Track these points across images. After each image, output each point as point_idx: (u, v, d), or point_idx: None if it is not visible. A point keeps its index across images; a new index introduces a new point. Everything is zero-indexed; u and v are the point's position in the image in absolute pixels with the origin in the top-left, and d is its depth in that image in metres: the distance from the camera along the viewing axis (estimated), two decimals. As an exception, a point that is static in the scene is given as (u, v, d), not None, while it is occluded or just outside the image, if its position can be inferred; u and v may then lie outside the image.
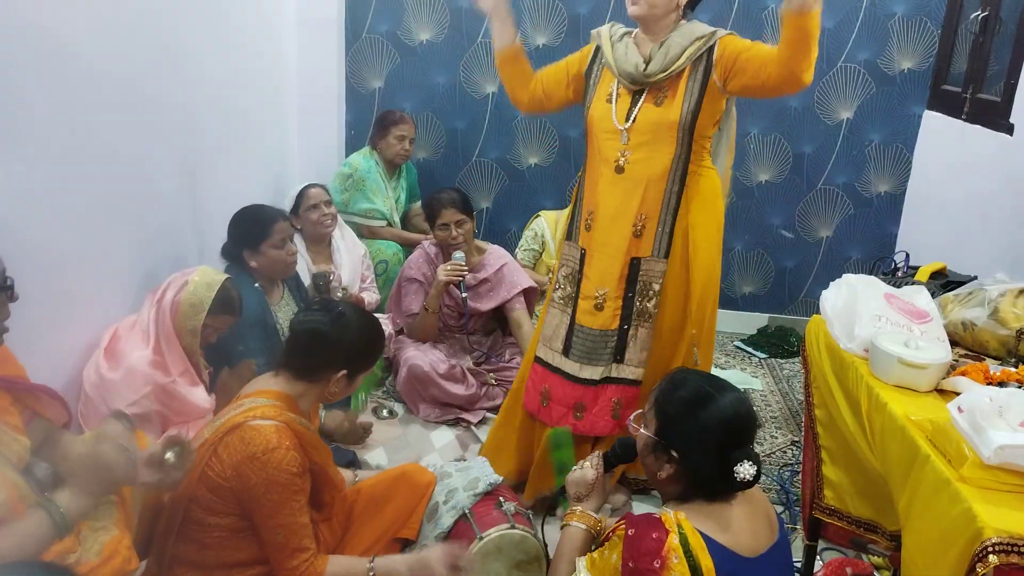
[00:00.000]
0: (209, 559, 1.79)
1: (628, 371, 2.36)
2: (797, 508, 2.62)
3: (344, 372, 1.85)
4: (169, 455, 1.62)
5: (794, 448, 3.07)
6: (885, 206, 4.04)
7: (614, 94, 2.31)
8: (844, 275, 1.97)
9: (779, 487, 2.77)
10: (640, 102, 2.26)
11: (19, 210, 1.93)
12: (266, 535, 1.75)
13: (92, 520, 1.57)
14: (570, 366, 2.39)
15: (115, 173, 2.38)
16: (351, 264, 3.43)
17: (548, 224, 3.89)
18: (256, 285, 2.66)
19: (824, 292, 1.99)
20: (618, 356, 2.36)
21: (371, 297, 3.52)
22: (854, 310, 1.84)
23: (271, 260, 2.70)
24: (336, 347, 1.86)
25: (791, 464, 2.94)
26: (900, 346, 1.68)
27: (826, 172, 4.03)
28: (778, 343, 4.07)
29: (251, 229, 2.70)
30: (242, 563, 1.81)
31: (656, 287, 2.32)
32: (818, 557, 2.23)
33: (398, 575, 1.83)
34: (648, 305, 2.33)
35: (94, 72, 2.24)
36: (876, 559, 2.25)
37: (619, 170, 2.30)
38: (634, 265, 2.32)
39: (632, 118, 2.26)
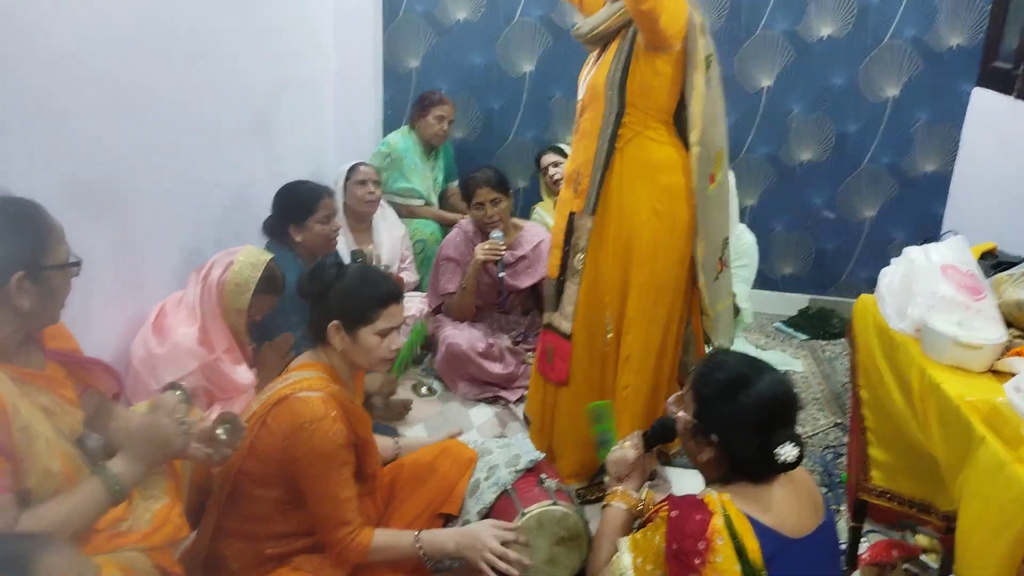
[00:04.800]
0: (256, 530, 1.83)
1: (560, 321, 2.41)
2: (841, 490, 2.60)
3: (336, 322, 1.82)
4: (220, 431, 1.66)
5: (837, 430, 3.04)
6: (931, 186, 3.94)
7: (590, 59, 2.35)
8: (905, 249, 1.91)
9: (822, 469, 2.74)
10: (593, 65, 2.29)
11: (70, 192, 1.97)
12: (312, 506, 1.77)
13: (144, 489, 1.61)
14: (546, 311, 2.51)
15: (159, 155, 2.42)
16: (391, 243, 3.46)
17: (544, 211, 3.85)
18: (297, 261, 2.68)
19: (884, 270, 1.95)
20: (555, 305, 2.43)
21: (410, 277, 3.54)
22: (909, 288, 1.79)
23: (316, 235, 2.73)
24: (318, 297, 1.85)
25: (834, 446, 2.91)
26: (954, 326, 1.64)
27: (870, 151, 3.94)
28: (819, 324, 4.01)
29: (298, 204, 2.73)
30: (288, 535, 1.84)
31: (583, 243, 2.32)
32: (863, 539, 2.20)
33: (445, 549, 1.84)
34: (576, 261, 2.34)
35: (136, 58, 2.27)
36: (923, 540, 2.22)
37: (575, 130, 2.39)
38: (571, 220, 2.35)
39: (585, 80, 2.31)
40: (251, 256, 2.39)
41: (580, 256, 2.33)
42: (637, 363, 2.33)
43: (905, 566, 2.14)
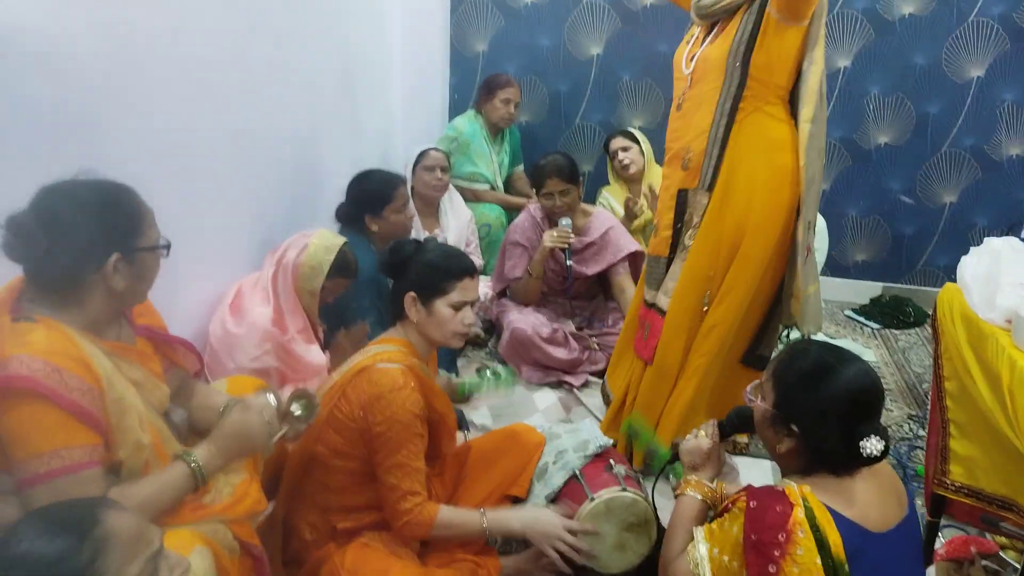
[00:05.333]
0: (331, 501, 1.87)
1: (661, 299, 2.37)
2: (916, 484, 2.52)
3: (412, 294, 1.87)
4: (296, 407, 1.70)
5: (911, 422, 2.95)
6: (1016, 170, 3.78)
7: (694, 35, 2.32)
8: (986, 239, 1.84)
9: (896, 462, 2.67)
10: (705, 41, 2.25)
11: (150, 177, 2.03)
12: (382, 475, 1.80)
13: (224, 463, 1.65)
14: (644, 288, 2.49)
15: (236, 141, 2.46)
16: (458, 228, 3.48)
17: (611, 195, 3.81)
18: (371, 247, 2.72)
19: (963, 258, 1.88)
20: (659, 284, 2.40)
21: (475, 261, 3.55)
22: (996, 278, 1.72)
23: (392, 224, 2.77)
24: (398, 272, 1.91)
25: (908, 438, 2.82)
26: (1049, 316, 1.57)
27: (952, 134, 3.79)
28: (893, 313, 3.90)
29: (375, 194, 2.77)
30: (360, 507, 1.88)
31: (696, 220, 2.28)
32: (939, 534, 2.14)
33: (510, 529, 1.86)
34: (686, 238, 2.31)
35: (215, 47, 2.31)
36: (1002, 539, 2.14)
37: (678, 108, 2.33)
38: (681, 197, 2.32)
39: (695, 57, 2.26)
40: (325, 239, 2.43)
41: (691, 232, 2.29)
42: (722, 333, 2.31)
43: (984, 563, 2.07)
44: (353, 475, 1.85)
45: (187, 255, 2.25)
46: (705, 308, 2.31)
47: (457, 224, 3.50)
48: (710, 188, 2.25)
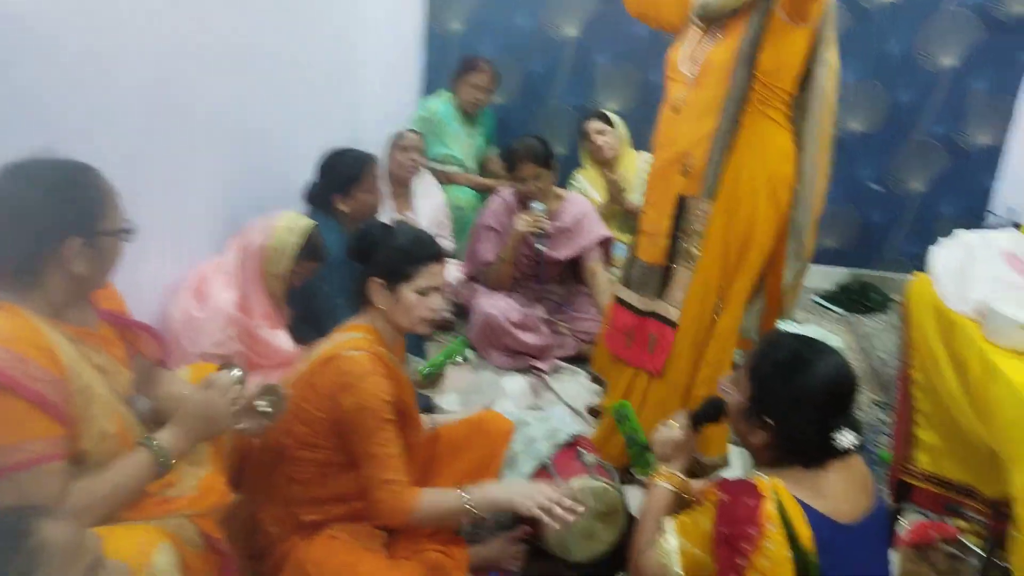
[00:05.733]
0: (297, 494, 1.83)
1: (667, 309, 2.30)
2: (881, 469, 2.55)
3: (378, 280, 1.83)
4: (263, 402, 1.65)
5: (876, 408, 2.99)
6: (983, 159, 3.82)
7: (691, 35, 2.24)
8: (956, 231, 1.85)
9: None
10: (707, 44, 2.18)
11: (110, 156, 1.96)
12: (360, 464, 1.77)
13: (189, 455, 1.61)
14: (626, 294, 2.41)
15: (196, 118, 2.39)
16: (430, 211, 3.44)
17: (585, 179, 3.79)
18: (340, 229, 2.67)
19: (934, 249, 1.88)
20: (661, 292, 2.32)
21: (446, 245, 3.52)
22: (969, 270, 1.73)
23: (362, 204, 2.72)
24: (365, 256, 1.86)
25: (873, 424, 2.86)
26: (1021, 310, 1.58)
27: (923, 122, 3.82)
28: (859, 299, 3.93)
29: (344, 173, 2.71)
30: (327, 499, 1.84)
31: (699, 228, 2.21)
32: (902, 519, 2.17)
33: (494, 500, 1.81)
34: (690, 246, 2.24)
35: (176, 20, 2.24)
36: (962, 524, 2.18)
37: (675, 110, 2.26)
38: (681, 204, 2.25)
39: (696, 60, 2.19)
40: (291, 222, 2.38)
41: (697, 241, 2.22)
42: (730, 341, 2.29)
43: (946, 548, 2.11)
44: (320, 466, 1.82)
45: (149, 237, 2.19)
46: (716, 317, 2.27)
47: (430, 207, 3.46)
48: (712, 196, 2.18)
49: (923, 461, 1.95)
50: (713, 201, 2.18)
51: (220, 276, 2.38)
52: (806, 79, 2.15)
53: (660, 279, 2.31)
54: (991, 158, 3.80)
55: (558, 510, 1.71)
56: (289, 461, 1.82)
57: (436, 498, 1.81)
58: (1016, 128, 3.71)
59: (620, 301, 2.42)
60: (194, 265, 2.41)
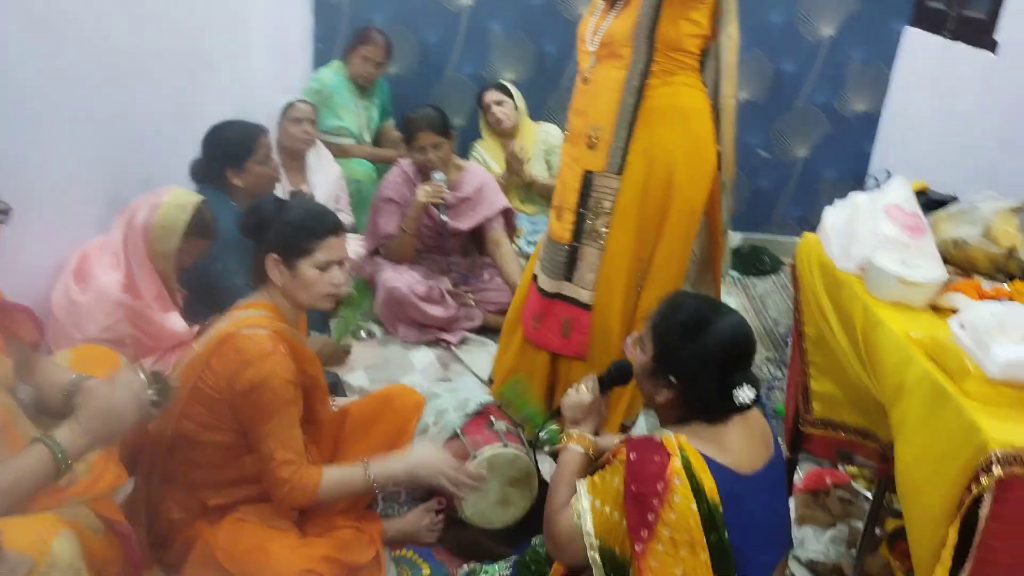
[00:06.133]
0: (199, 477, 1.78)
1: (577, 291, 2.29)
2: (775, 421, 2.68)
3: (274, 256, 1.77)
4: (150, 391, 1.56)
5: (769, 364, 3.13)
6: (861, 125, 4.03)
7: (597, 7, 2.24)
8: (851, 194, 1.93)
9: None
10: (610, 17, 2.18)
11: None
12: (257, 445, 1.72)
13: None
14: (539, 275, 2.38)
15: (78, 94, 2.25)
16: (326, 184, 3.34)
17: (484, 150, 3.78)
18: (232, 204, 2.56)
19: (827, 209, 1.96)
20: (567, 273, 2.29)
21: (345, 219, 3.44)
22: (852, 227, 1.82)
23: (256, 176, 2.61)
24: (258, 232, 1.80)
25: (767, 380, 2.99)
26: (898, 264, 1.67)
27: (805, 90, 3.98)
28: (751, 262, 4.09)
29: (236, 145, 2.60)
30: (233, 482, 1.80)
31: (607, 205, 2.20)
32: (797, 469, 2.28)
33: (394, 475, 1.81)
34: (598, 224, 2.22)
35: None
36: (853, 469, 2.32)
37: (584, 82, 2.25)
38: (587, 179, 2.22)
39: (599, 30, 2.19)
40: (179, 198, 2.26)
41: (604, 219, 2.20)
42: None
43: (838, 493, 2.24)
44: (223, 449, 1.76)
45: (26, 216, 2.05)
46: (639, 290, 2.27)
47: (326, 180, 3.36)
48: (619, 171, 2.17)
49: (818, 409, 2.04)
50: (619, 177, 2.18)
51: (104, 256, 2.25)
52: (709, 48, 2.19)
53: (567, 258, 2.28)
54: (869, 124, 4.00)
55: (463, 478, 1.73)
56: (190, 445, 1.75)
57: (338, 476, 1.78)
58: (890, 95, 3.92)
59: (533, 279, 2.41)
60: (77, 246, 2.27)
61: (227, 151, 2.59)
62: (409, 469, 1.80)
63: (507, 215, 3.28)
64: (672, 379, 1.48)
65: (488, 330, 3.14)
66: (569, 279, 2.28)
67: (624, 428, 2.55)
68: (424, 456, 1.82)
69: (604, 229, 2.21)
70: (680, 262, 2.31)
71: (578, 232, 2.25)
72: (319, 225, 1.80)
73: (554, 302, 2.32)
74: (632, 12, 2.11)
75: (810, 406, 2.03)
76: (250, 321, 1.74)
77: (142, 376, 1.49)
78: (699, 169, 2.22)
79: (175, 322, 2.28)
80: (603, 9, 2.21)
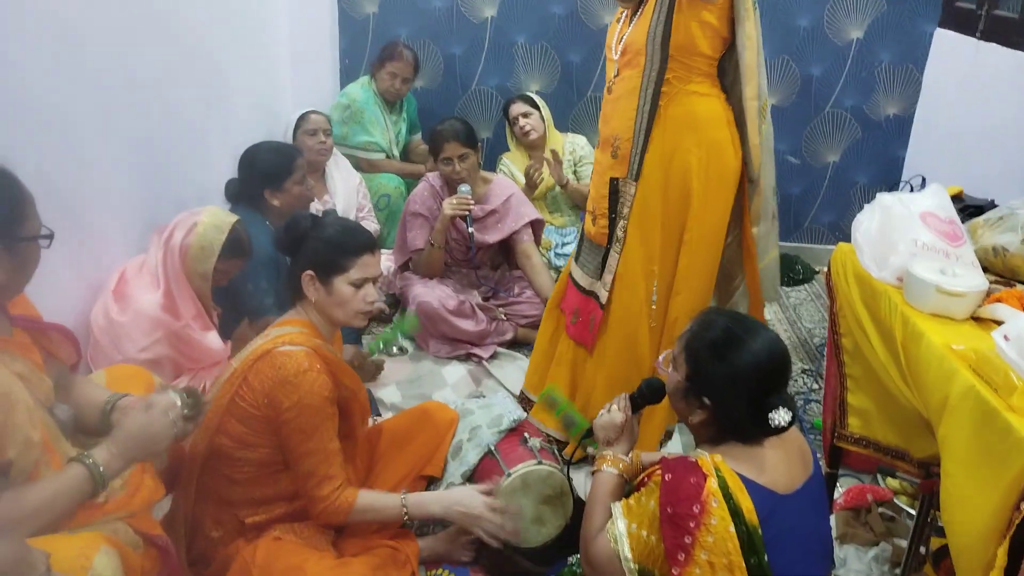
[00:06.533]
0: (236, 495, 1.79)
1: (600, 289, 2.34)
2: (812, 436, 2.64)
3: (310, 273, 1.79)
4: (184, 409, 1.58)
5: (804, 376, 3.08)
6: (893, 129, 3.97)
7: (622, 16, 2.25)
8: (878, 195, 1.90)
9: (793, 415, 2.78)
10: (631, 23, 2.19)
11: (24, 154, 1.86)
12: (296, 463, 1.74)
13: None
14: (576, 272, 2.43)
15: (115, 114, 2.29)
16: (346, 193, 3.37)
17: (512, 162, 3.78)
18: (267, 224, 2.59)
19: (858, 216, 1.93)
20: (598, 273, 2.35)
21: (371, 226, 3.46)
22: (888, 236, 1.79)
23: (294, 196, 2.66)
24: (294, 249, 1.83)
25: (803, 392, 2.95)
26: (937, 274, 1.64)
27: (834, 95, 3.94)
28: (784, 271, 4.03)
29: (275, 166, 2.64)
30: (269, 499, 1.81)
31: (625, 210, 2.25)
32: (837, 484, 2.24)
33: (430, 513, 1.83)
34: (618, 229, 2.27)
35: (91, 14, 2.15)
36: (894, 483, 2.27)
37: (609, 91, 2.28)
38: (613, 185, 2.27)
39: (622, 39, 2.20)
40: (215, 218, 2.30)
41: (623, 223, 2.25)
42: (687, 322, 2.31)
43: (880, 510, 2.20)
44: (260, 466, 1.77)
45: (65, 238, 2.09)
46: (654, 303, 2.28)
47: (346, 189, 3.39)
48: (636, 178, 2.20)
49: (854, 425, 2.01)
50: (637, 183, 2.20)
51: (143, 276, 2.29)
52: (730, 51, 2.17)
53: (601, 259, 2.33)
54: (902, 128, 3.94)
55: (498, 528, 1.77)
56: (226, 462, 1.77)
57: (375, 502, 1.80)
58: (923, 98, 3.86)
59: (570, 277, 2.46)
60: (116, 266, 2.31)
61: (267, 172, 2.63)
62: (446, 511, 1.81)
63: (535, 226, 3.27)
64: (705, 400, 1.46)
65: (519, 344, 3.13)
66: (599, 278, 2.34)
67: (668, 435, 2.53)
68: (463, 500, 1.81)
69: (622, 233, 2.26)
70: (705, 271, 2.30)
71: (611, 236, 2.30)
72: (354, 242, 1.81)
73: (589, 299, 2.38)
74: (646, 19, 2.12)
75: (846, 421, 2.00)
76: (287, 338, 1.75)
77: (176, 399, 1.51)
78: (717, 177, 2.21)
79: (213, 341, 2.30)
80: (626, 17, 2.23)
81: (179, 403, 1.50)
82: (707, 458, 1.41)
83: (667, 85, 2.13)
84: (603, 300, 2.30)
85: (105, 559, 1.29)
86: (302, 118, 3.28)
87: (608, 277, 2.29)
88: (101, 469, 1.38)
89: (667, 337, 2.30)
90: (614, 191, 2.26)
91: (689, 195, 2.20)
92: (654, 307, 2.28)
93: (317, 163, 3.32)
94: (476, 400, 2.23)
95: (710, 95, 2.18)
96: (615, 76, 2.24)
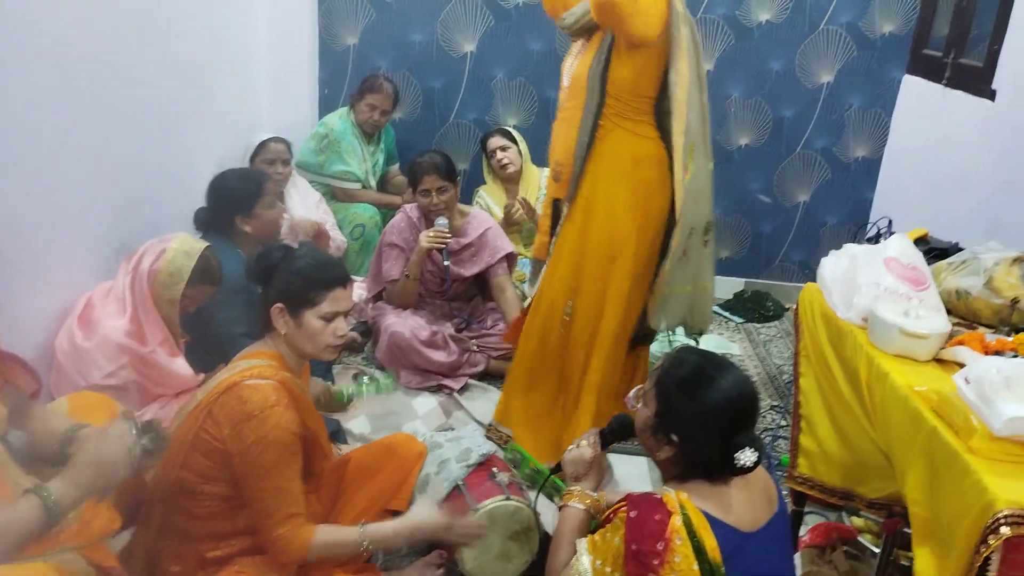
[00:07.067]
0: (198, 529, 1.75)
1: (532, 296, 2.50)
2: (780, 473, 2.64)
3: (280, 305, 1.77)
4: (143, 441, 1.56)
5: (773, 412, 3.10)
6: (862, 171, 4.05)
7: (574, 47, 2.38)
8: (845, 245, 1.94)
9: (762, 452, 2.79)
10: (578, 57, 2.31)
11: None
12: (255, 500, 1.69)
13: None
14: (528, 291, 2.62)
15: (85, 139, 2.28)
16: (304, 211, 3.36)
17: (488, 195, 3.81)
18: (238, 251, 2.57)
19: (823, 260, 1.97)
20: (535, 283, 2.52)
21: (336, 236, 3.45)
22: (853, 279, 1.82)
23: (265, 222, 2.65)
24: (265, 279, 1.81)
25: (772, 429, 2.96)
26: (901, 315, 1.67)
27: (805, 136, 4.02)
28: (754, 308, 4.08)
29: (244, 192, 2.62)
30: (231, 534, 1.77)
31: (559, 229, 2.41)
32: (803, 522, 2.25)
33: (390, 542, 1.80)
34: (551, 246, 2.43)
35: (61, 41, 2.13)
36: (859, 522, 2.28)
37: (557, 118, 2.44)
38: (555, 206, 2.45)
39: (569, 72, 2.34)
40: (185, 244, 2.28)
41: (555, 240, 2.40)
42: (613, 346, 2.41)
43: (844, 548, 2.20)
44: (223, 500, 1.73)
45: (30, 262, 2.07)
46: (567, 317, 2.39)
47: (304, 207, 3.39)
48: (571, 202, 2.34)
49: (803, 465, 2.02)
50: (570, 205, 2.34)
51: (110, 302, 2.26)
52: (664, 89, 2.24)
53: (540, 272, 2.50)
54: (870, 170, 4.03)
55: (466, 528, 1.76)
56: (189, 495, 1.73)
57: (333, 537, 1.75)
58: (890, 142, 3.95)
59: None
60: (83, 292, 2.28)
61: (237, 198, 2.62)
62: (410, 533, 1.78)
63: (511, 260, 3.29)
64: (673, 437, 1.47)
65: (491, 376, 3.12)
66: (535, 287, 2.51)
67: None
68: (423, 517, 1.79)
69: (551, 250, 2.43)
70: (634, 302, 2.42)
71: (549, 252, 2.47)
72: (326, 276, 1.80)
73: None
74: (590, 54, 2.23)
75: (796, 462, 2.01)
76: (255, 371, 1.73)
77: (134, 429, 1.48)
78: (644, 215, 2.32)
79: (180, 367, 2.27)
80: (578, 51, 2.35)
81: (135, 431, 1.47)
82: (672, 495, 1.41)
83: (604, 119, 2.24)
84: (526, 303, 2.48)
85: None
86: (261, 146, 3.25)
87: (538, 282, 2.47)
88: (56, 501, 1.35)
89: (596, 353, 2.41)
90: (556, 211, 2.41)
91: (615, 228, 2.31)
92: (566, 318, 2.40)
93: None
94: (445, 433, 2.21)
95: (645, 136, 2.27)
96: (562, 103, 2.39)
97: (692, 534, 1.35)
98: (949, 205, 3.24)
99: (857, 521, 2.29)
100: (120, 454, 1.44)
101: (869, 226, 3.22)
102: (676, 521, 1.36)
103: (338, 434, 2.55)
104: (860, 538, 2.23)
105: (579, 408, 2.47)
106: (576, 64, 2.30)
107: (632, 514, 1.39)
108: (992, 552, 1.20)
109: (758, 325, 3.98)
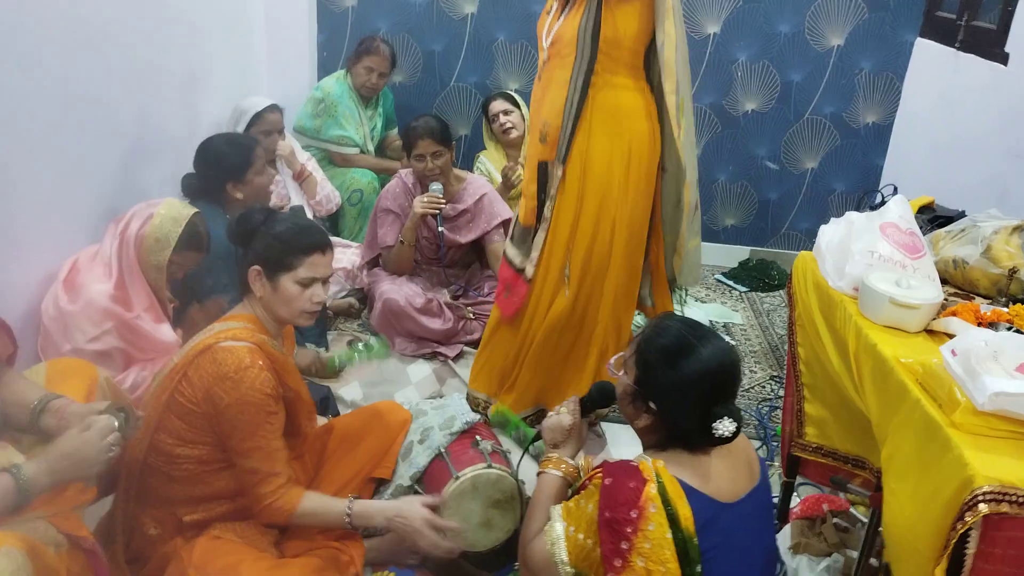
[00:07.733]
0: (175, 492, 1.75)
1: (528, 266, 2.44)
2: (776, 444, 2.62)
3: (257, 268, 1.76)
4: (127, 433, 1.55)
5: (773, 383, 3.07)
6: (872, 137, 3.95)
7: (554, 8, 2.35)
8: (847, 213, 1.89)
9: (757, 422, 2.77)
10: (561, 15, 2.29)
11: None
12: (239, 460, 1.70)
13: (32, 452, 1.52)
14: (510, 251, 2.53)
15: (73, 101, 2.25)
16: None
17: (489, 161, 3.75)
18: (227, 217, 2.54)
19: (823, 227, 1.92)
20: (527, 251, 2.45)
21: (317, 175, 3.41)
22: (848, 246, 1.77)
23: (256, 188, 2.63)
24: (245, 242, 1.80)
25: (770, 399, 2.93)
26: (891, 285, 1.62)
27: (814, 101, 3.92)
28: (759, 276, 4.03)
29: (234, 158, 2.59)
30: (209, 497, 1.77)
31: (552, 191, 2.35)
32: (795, 493, 2.22)
33: (374, 523, 1.79)
34: (547, 209, 2.37)
35: (54, 6, 2.08)
36: (852, 496, 2.25)
37: (539, 78, 2.40)
38: (542, 169, 2.37)
39: (552, 30, 2.31)
40: (173, 209, 2.26)
41: (550, 204, 2.36)
42: (623, 302, 2.43)
43: (835, 520, 2.18)
44: (200, 463, 1.73)
45: (15, 225, 2.05)
46: (566, 278, 2.38)
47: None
48: (564, 161, 2.31)
49: (812, 434, 1.99)
50: (563, 165, 2.31)
51: (96, 266, 2.24)
52: (654, 46, 2.26)
53: (531, 239, 2.44)
54: (881, 136, 3.93)
55: (439, 543, 1.74)
56: (165, 459, 1.73)
57: (319, 506, 1.76)
58: (902, 107, 3.85)
59: (504, 255, 2.56)
60: (69, 255, 2.27)
61: (227, 164, 2.58)
62: (388, 523, 1.77)
63: (507, 226, 3.24)
64: (652, 405, 1.44)
65: (486, 343, 3.09)
66: (528, 256, 2.44)
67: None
68: (403, 512, 1.76)
69: (549, 213, 2.37)
70: (631, 252, 2.42)
71: (539, 216, 2.41)
72: (305, 241, 1.78)
73: (518, 275, 2.49)
74: (578, 13, 2.22)
75: (803, 431, 1.98)
76: (230, 334, 1.72)
77: (115, 422, 1.47)
78: (637, 165, 2.32)
79: (165, 333, 2.26)
80: (556, 10, 2.32)
81: (117, 426, 1.47)
82: (648, 463, 1.38)
83: (595, 76, 2.24)
84: (529, 276, 2.41)
85: (5, 561, 1.24)
86: (257, 116, 3.13)
87: (535, 254, 2.40)
88: (25, 480, 1.36)
89: (603, 315, 2.42)
90: (542, 174, 2.37)
91: (611, 183, 2.31)
92: (567, 278, 2.39)
93: (270, 161, 3.23)
94: (431, 401, 2.19)
95: (634, 88, 2.30)
96: (543, 64, 2.35)
97: (666, 502, 1.33)
98: (958, 172, 3.15)
99: (851, 495, 2.26)
100: (98, 448, 1.45)
101: (875, 193, 3.16)
102: (651, 489, 1.33)
103: (328, 400, 2.54)
104: (852, 510, 2.20)
105: (585, 368, 2.47)
106: (561, 23, 2.26)
107: (607, 481, 1.37)
108: (970, 529, 1.17)
109: (762, 294, 3.93)
